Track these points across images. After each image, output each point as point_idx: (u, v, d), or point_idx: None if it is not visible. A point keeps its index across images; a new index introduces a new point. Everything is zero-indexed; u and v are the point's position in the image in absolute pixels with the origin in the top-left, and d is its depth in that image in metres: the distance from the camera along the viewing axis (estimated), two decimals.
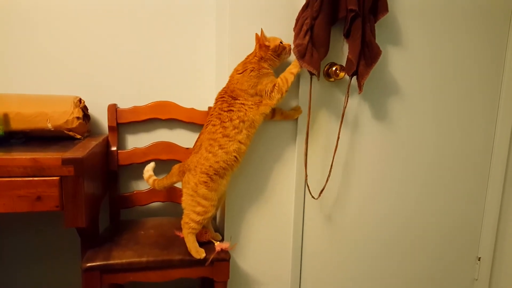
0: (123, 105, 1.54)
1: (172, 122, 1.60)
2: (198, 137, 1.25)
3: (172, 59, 1.58)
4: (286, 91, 1.24)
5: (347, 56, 1.28)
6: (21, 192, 1.05)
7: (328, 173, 1.43)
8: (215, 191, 1.21)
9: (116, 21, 1.52)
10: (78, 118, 1.31)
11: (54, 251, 1.61)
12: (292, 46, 1.26)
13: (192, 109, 1.55)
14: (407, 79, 1.46)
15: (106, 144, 1.46)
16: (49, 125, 1.28)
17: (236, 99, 1.21)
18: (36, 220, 1.58)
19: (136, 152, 1.52)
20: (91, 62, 1.52)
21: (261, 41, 1.22)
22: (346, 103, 1.36)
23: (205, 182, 1.19)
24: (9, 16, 1.44)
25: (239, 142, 1.20)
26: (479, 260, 1.67)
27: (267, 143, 1.39)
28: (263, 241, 1.45)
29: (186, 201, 1.22)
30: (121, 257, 1.17)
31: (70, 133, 1.32)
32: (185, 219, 1.22)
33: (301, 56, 1.23)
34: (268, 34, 1.30)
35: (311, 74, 1.29)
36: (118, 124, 1.51)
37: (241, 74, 1.22)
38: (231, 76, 1.25)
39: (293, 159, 1.41)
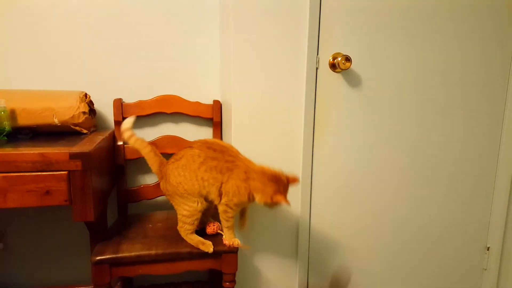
0: (128, 99, 1.54)
1: (177, 116, 1.59)
2: (183, 148, 1.21)
3: (176, 53, 1.58)
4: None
5: None
6: (30, 186, 1.05)
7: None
8: (193, 202, 1.18)
9: (120, 16, 1.51)
10: (84, 113, 1.31)
11: (64, 245, 1.63)
12: None
13: (197, 102, 1.55)
14: (413, 79, 1.45)
15: (113, 138, 1.46)
16: (56, 120, 1.29)
17: (232, 171, 1.14)
18: (45, 215, 1.60)
19: None
20: (96, 57, 1.53)
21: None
22: None
23: (179, 195, 1.19)
24: (15, 12, 1.44)
25: (208, 192, 1.16)
26: (488, 250, 1.66)
27: (274, 133, 1.38)
28: (270, 233, 1.46)
29: (174, 202, 1.23)
30: (130, 250, 1.18)
31: (77, 128, 1.32)
32: (179, 223, 1.23)
33: None
34: (271, 35, 1.29)
35: None
36: (123, 118, 1.50)
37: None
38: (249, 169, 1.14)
39: (299, 151, 1.41)
